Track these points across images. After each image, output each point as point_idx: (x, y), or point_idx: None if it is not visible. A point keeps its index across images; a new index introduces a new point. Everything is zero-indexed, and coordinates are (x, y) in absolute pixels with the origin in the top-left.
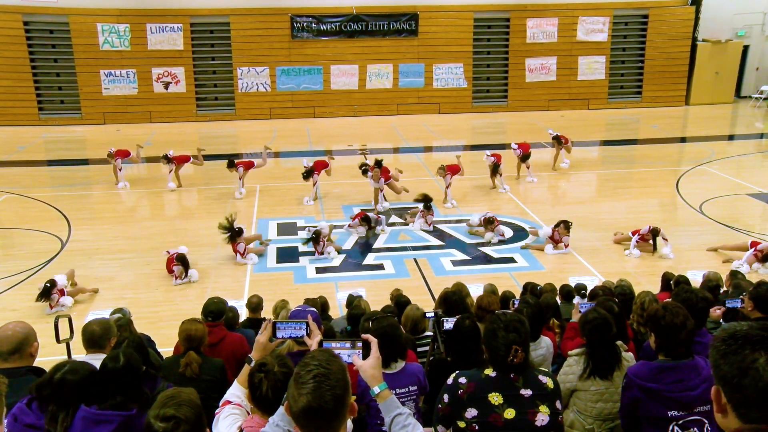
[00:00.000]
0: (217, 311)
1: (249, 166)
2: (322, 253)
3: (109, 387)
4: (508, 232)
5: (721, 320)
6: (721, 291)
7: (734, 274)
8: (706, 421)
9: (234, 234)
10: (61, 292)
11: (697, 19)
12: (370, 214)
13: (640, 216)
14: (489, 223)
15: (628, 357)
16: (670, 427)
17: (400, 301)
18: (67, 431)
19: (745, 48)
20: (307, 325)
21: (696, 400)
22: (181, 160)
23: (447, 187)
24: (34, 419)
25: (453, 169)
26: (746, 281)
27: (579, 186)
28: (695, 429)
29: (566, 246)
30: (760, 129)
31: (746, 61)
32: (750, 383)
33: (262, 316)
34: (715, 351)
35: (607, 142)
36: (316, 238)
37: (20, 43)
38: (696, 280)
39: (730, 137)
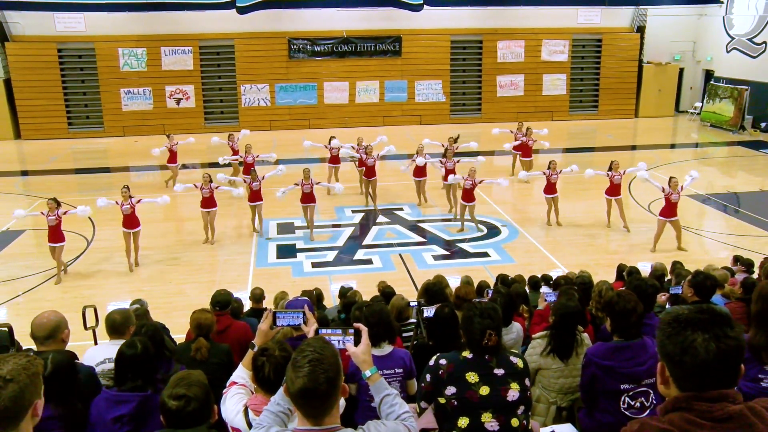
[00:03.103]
0: (223, 302)
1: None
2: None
3: (128, 371)
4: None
5: (667, 305)
6: (666, 279)
7: (675, 265)
8: (651, 392)
9: None
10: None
11: (642, 44)
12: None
13: (599, 215)
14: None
15: (585, 338)
16: (622, 398)
17: (386, 292)
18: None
19: (681, 70)
20: (304, 314)
21: (643, 374)
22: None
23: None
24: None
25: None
26: (686, 270)
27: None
28: (642, 398)
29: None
30: (695, 139)
31: (682, 81)
32: (689, 359)
33: (264, 306)
34: (661, 332)
35: (568, 149)
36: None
37: (54, 68)
38: (645, 270)
39: (672, 146)
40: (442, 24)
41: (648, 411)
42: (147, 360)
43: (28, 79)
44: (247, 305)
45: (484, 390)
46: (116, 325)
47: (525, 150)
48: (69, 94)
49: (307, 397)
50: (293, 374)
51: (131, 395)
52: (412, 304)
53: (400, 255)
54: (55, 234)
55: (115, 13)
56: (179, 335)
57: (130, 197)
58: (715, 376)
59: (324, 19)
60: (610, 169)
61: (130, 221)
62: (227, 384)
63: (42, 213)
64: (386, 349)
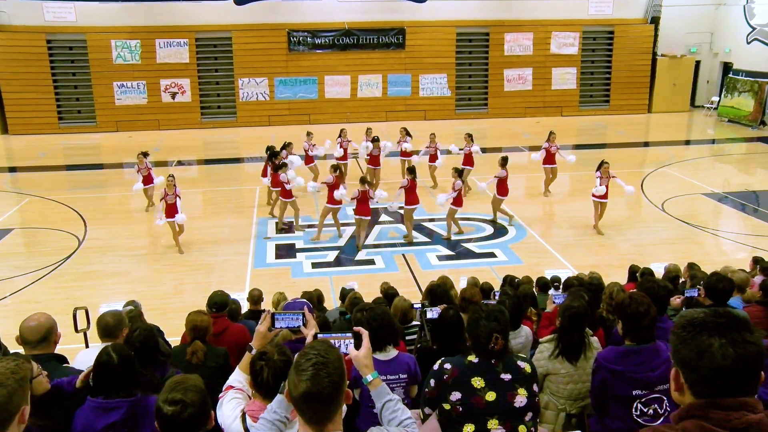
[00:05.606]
0: (221, 303)
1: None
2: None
3: (111, 381)
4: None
5: (683, 308)
6: (681, 281)
7: (691, 266)
8: (665, 398)
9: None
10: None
11: (656, 36)
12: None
13: (609, 214)
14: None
15: (594, 341)
16: (635, 405)
17: (389, 294)
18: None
19: (697, 63)
20: (303, 315)
21: (656, 380)
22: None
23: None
24: None
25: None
26: (701, 272)
27: (553, 186)
28: (656, 405)
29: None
30: (711, 135)
31: (699, 75)
32: (705, 365)
33: (262, 308)
34: (676, 337)
35: (578, 146)
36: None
37: (43, 60)
38: (659, 271)
39: (687, 142)
40: (447, 15)
41: (662, 419)
42: (127, 366)
43: (15, 71)
44: (245, 307)
45: (491, 396)
46: (109, 328)
47: (467, 159)
48: (59, 88)
49: (310, 402)
50: (296, 378)
51: (120, 401)
52: (415, 306)
53: (404, 255)
54: (147, 179)
55: (108, 3)
56: (174, 338)
57: (175, 186)
58: (733, 383)
59: (325, 11)
60: (598, 169)
61: (172, 211)
62: (224, 388)
63: (138, 166)
64: (391, 353)
